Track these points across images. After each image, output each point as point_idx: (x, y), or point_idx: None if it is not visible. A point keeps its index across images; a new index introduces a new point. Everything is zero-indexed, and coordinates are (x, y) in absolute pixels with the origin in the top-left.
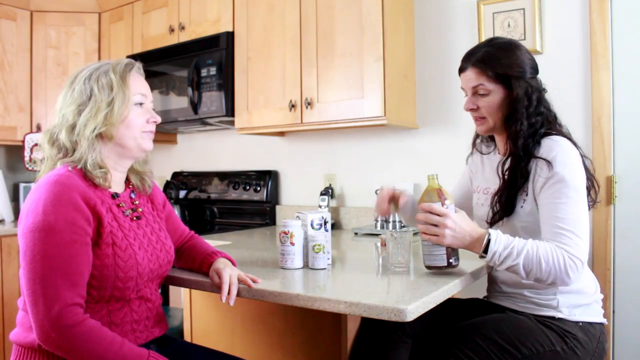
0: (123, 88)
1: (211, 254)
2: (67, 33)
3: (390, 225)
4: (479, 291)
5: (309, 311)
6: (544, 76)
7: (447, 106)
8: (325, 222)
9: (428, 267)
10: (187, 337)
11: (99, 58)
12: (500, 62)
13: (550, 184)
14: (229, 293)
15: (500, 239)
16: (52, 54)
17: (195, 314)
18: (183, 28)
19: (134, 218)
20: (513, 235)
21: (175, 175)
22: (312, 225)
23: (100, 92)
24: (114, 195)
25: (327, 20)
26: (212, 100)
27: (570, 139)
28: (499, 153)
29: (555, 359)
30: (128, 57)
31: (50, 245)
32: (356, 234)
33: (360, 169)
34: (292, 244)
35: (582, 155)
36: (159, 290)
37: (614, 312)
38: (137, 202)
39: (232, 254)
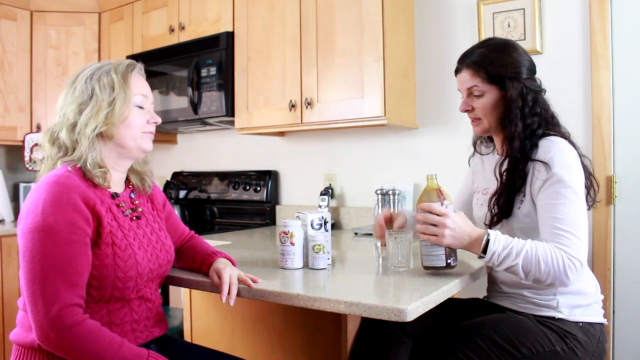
0: (124, 88)
1: (211, 254)
2: (67, 33)
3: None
4: (479, 291)
5: (309, 311)
6: (544, 76)
7: (447, 106)
8: (325, 222)
9: (426, 268)
10: (187, 337)
11: (99, 58)
12: (494, 63)
13: (549, 184)
14: (229, 293)
15: (499, 239)
16: (52, 54)
17: (195, 314)
18: (183, 28)
19: (134, 218)
20: (511, 236)
21: (175, 175)
22: (312, 225)
23: (101, 92)
24: (114, 195)
25: (327, 20)
26: (212, 100)
27: (568, 139)
28: (497, 154)
29: (555, 359)
30: (128, 57)
31: (49, 246)
32: (356, 234)
33: (360, 169)
34: (292, 244)
35: (581, 155)
36: (159, 290)
37: (614, 312)
38: (137, 202)
39: (232, 254)
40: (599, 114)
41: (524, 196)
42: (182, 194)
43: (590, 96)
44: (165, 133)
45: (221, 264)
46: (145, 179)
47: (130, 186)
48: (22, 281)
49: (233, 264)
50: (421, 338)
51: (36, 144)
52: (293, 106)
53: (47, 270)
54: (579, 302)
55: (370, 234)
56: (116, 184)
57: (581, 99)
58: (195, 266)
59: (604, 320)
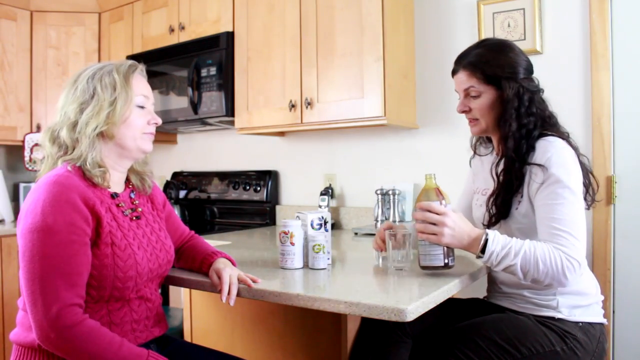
0: (126, 88)
1: (211, 254)
2: (67, 33)
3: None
4: (479, 291)
5: (309, 311)
6: (544, 76)
7: (447, 106)
8: (325, 222)
9: (423, 268)
10: (187, 337)
11: (99, 58)
12: (490, 64)
13: (546, 185)
14: (229, 293)
15: (497, 239)
16: (52, 54)
17: (195, 314)
18: (183, 28)
19: (134, 218)
20: (509, 237)
21: (175, 175)
22: (312, 225)
23: (103, 91)
24: (114, 195)
25: (327, 20)
26: (212, 100)
27: (566, 139)
28: (496, 154)
29: (555, 359)
30: (128, 57)
31: (49, 246)
32: (356, 234)
33: (360, 169)
34: (292, 244)
35: (579, 154)
36: (159, 290)
37: (614, 312)
38: (136, 202)
39: (232, 254)
40: (599, 114)
41: (522, 197)
42: (182, 194)
43: (590, 96)
44: (165, 133)
45: (221, 264)
46: (145, 179)
47: (130, 186)
48: (22, 281)
49: (233, 264)
50: (421, 338)
51: (36, 144)
52: (293, 106)
53: (47, 270)
54: (578, 303)
55: (370, 234)
56: (116, 184)
57: (581, 99)
58: (195, 266)
59: (604, 321)
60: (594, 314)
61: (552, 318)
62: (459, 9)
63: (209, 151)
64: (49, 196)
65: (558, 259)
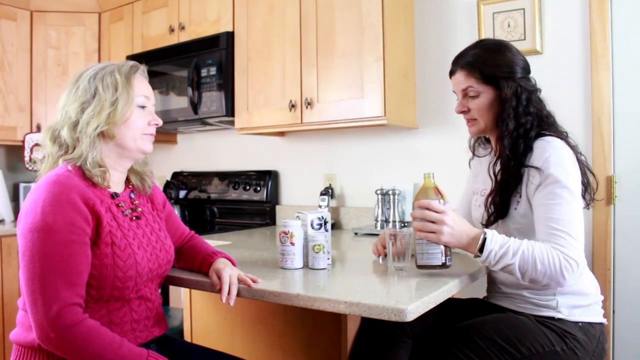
0: (127, 89)
1: (211, 254)
2: (67, 33)
3: (390, 225)
4: (479, 291)
5: (309, 311)
6: (544, 76)
7: (447, 106)
8: (325, 222)
9: (420, 267)
10: (187, 337)
11: (99, 58)
12: (488, 64)
13: (544, 185)
14: (229, 293)
15: (496, 239)
16: (52, 54)
17: (195, 314)
18: (183, 28)
19: (134, 218)
20: (507, 237)
21: (175, 175)
22: (312, 225)
23: (104, 91)
24: (114, 195)
25: (327, 20)
26: (212, 100)
27: (564, 138)
28: (494, 154)
29: (555, 359)
30: (128, 57)
31: (49, 245)
32: (356, 234)
33: (360, 169)
34: (292, 244)
35: (578, 153)
36: (159, 290)
37: (614, 312)
38: (136, 202)
39: (232, 254)
40: (599, 114)
41: (520, 197)
42: (182, 194)
43: (590, 96)
44: (165, 133)
45: (221, 264)
46: (145, 179)
47: (130, 186)
48: (22, 281)
49: (233, 264)
50: (421, 338)
51: (36, 144)
52: (293, 106)
53: (47, 270)
54: (578, 302)
55: (370, 234)
56: (116, 184)
57: (581, 99)
58: (195, 266)
59: (604, 320)
60: (593, 314)
61: (552, 318)
62: (459, 9)
63: (208, 151)
64: (49, 196)
65: (556, 259)
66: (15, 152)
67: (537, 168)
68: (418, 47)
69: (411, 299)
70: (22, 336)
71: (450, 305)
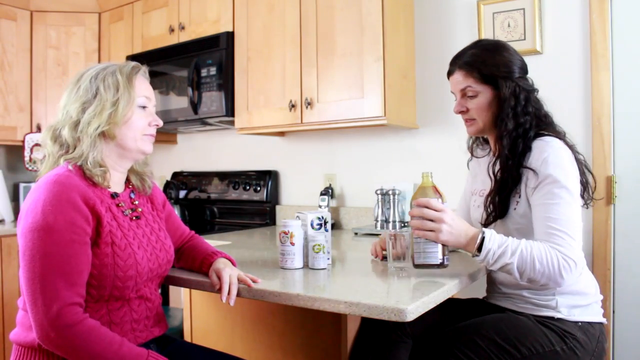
0: (129, 89)
1: (211, 254)
2: (67, 33)
3: (390, 225)
4: (479, 291)
5: (309, 311)
6: (544, 76)
7: (447, 106)
8: (325, 222)
9: (418, 266)
10: (187, 337)
11: (99, 58)
12: (486, 63)
13: (543, 185)
14: (229, 293)
15: (494, 238)
16: (52, 54)
17: (195, 314)
18: (183, 28)
19: (134, 218)
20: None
21: (175, 175)
22: (312, 225)
23: (106, 92)
24: (114, 195)
25: (327, 20)
26: (212, 100)
27: (562, 138)
28: (493, 154)
29: (555, 359)
30: (128, 57)
31: (49, 245)
32: (356, 234)
33: (360, 169)
34: (292, 244)
35: (576, 153)
36: (159, 290)
37: (614, 312)
38: (136, 202)
39: (232, 254)
40: (599, 114)
41: (520, 197)
42: (182, 194)
43: (590, 96)
44: (165, 133)
45: (221, 264)
46: (145, 179)
47: (130, 186)
48: (22, 280)
49: (233, 264)
50: (421, 338)
51: (36, 144)
52: (293, 106)
53: (47, 270)
54: (578, 302)
55: (370, 234)
56: (116, 184)
57: (581, 99)
58: (195, 266)
59: (604, 320)
60: (593, 314)
61: (552, 318)
62: (459, 9)
63: (209, 151)
64: (49, 195)
65: (555, 259)
66: (15, 152)
67: (534, 170)
68: (418, 47)
69: (411, 299)
70: (22, 336)
71: (450, 305)
